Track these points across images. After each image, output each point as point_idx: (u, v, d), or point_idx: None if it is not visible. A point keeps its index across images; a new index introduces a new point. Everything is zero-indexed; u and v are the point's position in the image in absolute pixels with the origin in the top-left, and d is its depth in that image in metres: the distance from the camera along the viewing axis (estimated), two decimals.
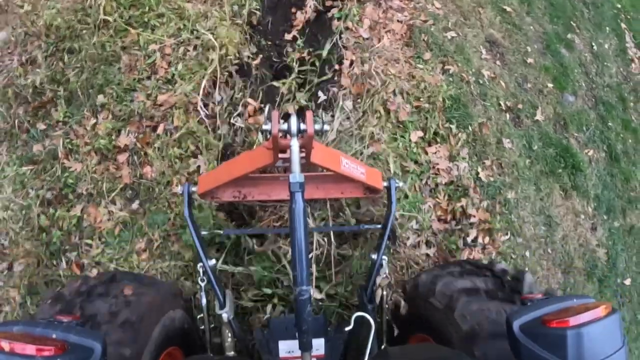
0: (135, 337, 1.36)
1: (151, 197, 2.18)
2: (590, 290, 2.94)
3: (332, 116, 2.32)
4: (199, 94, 2.23)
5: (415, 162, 2.35)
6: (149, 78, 2.33)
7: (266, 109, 1.46)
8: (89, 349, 1.02)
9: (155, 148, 2.20)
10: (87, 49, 2.36)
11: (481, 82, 2.86)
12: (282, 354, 1.70)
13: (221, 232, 1.92)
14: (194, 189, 1.60)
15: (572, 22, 3.80)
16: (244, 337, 1.80)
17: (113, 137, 2.22)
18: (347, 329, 1.38)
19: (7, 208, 2.23)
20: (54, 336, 1.02)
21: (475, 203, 2.32)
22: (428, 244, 2.26)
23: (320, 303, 2.06)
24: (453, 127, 2.49)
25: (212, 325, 1.78)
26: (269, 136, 1.32)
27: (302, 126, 1.32)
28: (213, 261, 1.65)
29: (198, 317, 1.74)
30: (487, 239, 2.32)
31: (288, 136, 1.34)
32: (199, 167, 2.15)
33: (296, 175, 1.30)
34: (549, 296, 1.28)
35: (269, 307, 2.04)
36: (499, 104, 2.87)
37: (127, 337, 1.33)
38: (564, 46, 3.58)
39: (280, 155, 1.43)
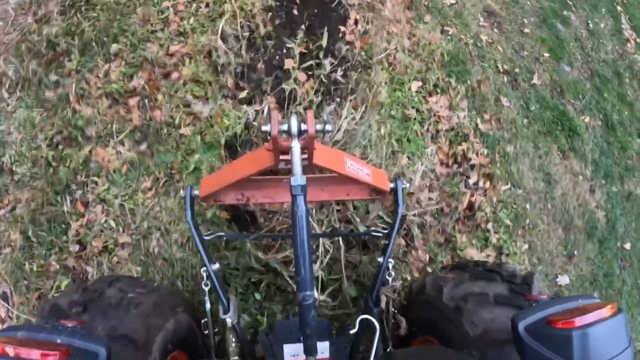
0: (140, 342, 1.34)
1: (159, 139, 2.23)
2: (590, 250, 2.97)
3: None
4: (213, 42, 2.30)
5: (417, 110, 2.41)
6: (162, 30, 2.40)
7: (265, 109, 1.37)
8: (93, 354, 1.02)
9: (166, 93, 2.26)
10: (103, 1, 2.45)
11: (479, 45, 2.96)
12: (286, 357, 1.68)
13: (223, 234, 1.87)
14: (196, 192, 1.56)
15: (568, 1, 3.92)
16: (248, 342, 1.77)
17: (125, 82, 2.29)
18: (351, 331, 1.37)
19: (16, 152, 2.28)
20: (58, 341, 1.01)
21: (476, 148, 2.38)
22: (431, 188, 2.30)
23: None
24: (452, 80, 2.57)
25: (216, 330, 1.76)
26: (269, 137, 1.27)
27: (303, 126, 1.27)
28: (217, 265, 1.62)
29: (202, 321, 1.72)
30: (487, 184, 2.37)
31: (289, 137, 1.29)
32: (212, 109, 2.20)
33: (297, 177, 1.25)
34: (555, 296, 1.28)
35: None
36: (497, 67, 2.95)
37: (131, 342, 1.31)
38: (560, 22, 3.69)
39: (282, 157, 1.38)
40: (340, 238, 2.04)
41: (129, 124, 2.26)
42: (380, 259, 1.69)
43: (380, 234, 1.83)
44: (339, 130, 2.22)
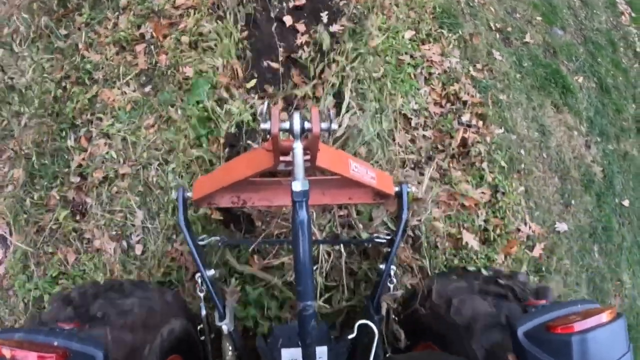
0: (137, 346, 1.33)
1: (164, 81, 2.33)
2: (588, 203, 3.00)
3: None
4: None
5: (410, 56, 2.50)
6: None
7: (265, 105, 1.15)
8: (90, 357, 1.02)
9: (172, 40, 2.37)
10: None
11: (471, 4, 3.06)
12: None
13: (218, 238, 1.77)
14: (189, 194, 1.49)
15: None
16: (245, 350, 1.73)
17: (133, 31, 2.41)
18: (350, 336, 1.34)
19: (24, 94, 2.38)
20: (55, 343, 1.01)
21: (468, 89, 2.45)
22: (425, 126, 2.37)
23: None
24: (444, 31, 2.66)
25: (213, 336, 1.73)
26: (268, 136, 1.17)
27: (307, 125, 1.17)
28: (212, 271, 1.57)
29: (198, 327, 1.70)
30: (480, 123, 2.43)
31: (290, 136, 1.19)
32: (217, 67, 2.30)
33: (299, 182, 1.17)
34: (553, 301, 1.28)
35: None
36: (489, 25, 3.04)
37: (128, 345, 1.30)
38: None
39: (281, 158, 1.29)
40: (341, 245, 1.98)
41: (135, 68, 2.37)
42: (381, 266, 1.65)
43: (384, 241, 1.76)
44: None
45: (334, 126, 1.19)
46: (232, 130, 2.15)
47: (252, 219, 2.02)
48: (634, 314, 3.12)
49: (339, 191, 1.60)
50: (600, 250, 3.03)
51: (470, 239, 2.22)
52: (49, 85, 2.34)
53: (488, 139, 2.45)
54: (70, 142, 2.22)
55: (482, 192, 2.36)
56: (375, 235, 1.84)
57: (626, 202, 3.23)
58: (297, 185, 1.16)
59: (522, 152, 2.70)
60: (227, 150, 2.11)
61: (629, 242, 3.19)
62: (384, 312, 1.68)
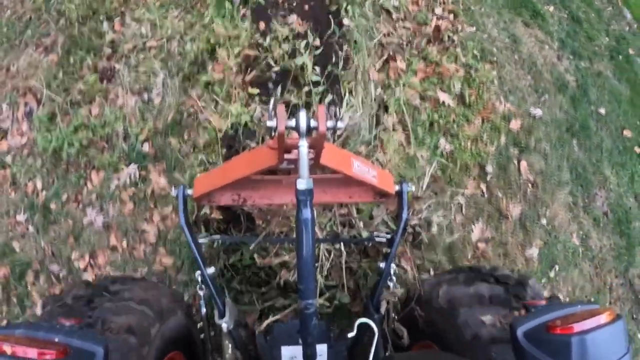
0: (137, 343, 1.34)
1: None
2: (562, 104, 3.34)
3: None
4: None
5: None
6: None
7: (271, 102, 1.15)
8: (90, 353, 1.03)
9: None
10: None
11: None
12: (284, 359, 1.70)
13: (219, 237, 1.85)
14: (189, 192, 1.49)
15: None
16: (245, 348, 1.75)
17: None
18: (350, 335, 1.36)
19: None
20: (56, 340, 1.02)
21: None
22: (405, 20, 2.86)
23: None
24: None
25: (213, 334, 1.77)
26: (273, 134, 1.17)
27: (313, 123, 1.16)
28: (212, 269, 1.59)
29: (199, 325, 1.74)
30: (452, 17, 2.90)
31: (294, 134, 1.19)
32: None
33: (304, 180, 1.17)
34: (553, 301, 1.34)
35: None
36: None
37: (128, 342, 1.32)
38: None
39: (284, 156, 1.29)
40: (341, 244, 2.02)
41: None
42: (381, 264, 1.67)
43: (384, 240, 1.78)
44: None
45: (341, 124, 1.20)
46: (230, 132, 2.23)
47: (253, 218, 2.08)
48: (622, 210, 3.35)
49: (340, 189, 1.61)
50: (580, 145, 3.33)
51: (446, 98, 2.64)
52: None
53: (460, 30, 2.91)
54: (106, 25, 2.73)
55: (457, 68, 2.79)
56: (375, 234, 1.89)
57: (602, 110, 3.53)
58: (302, 184, 1.17)
59: (494, 49, 3.13)
60: (224, 151, 2.23)
61: (608, 145, 3.45)
62: (383, 310, 1.71)
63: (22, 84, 2.67)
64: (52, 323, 1.16)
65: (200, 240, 1.62)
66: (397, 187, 1.58)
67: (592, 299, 3.06)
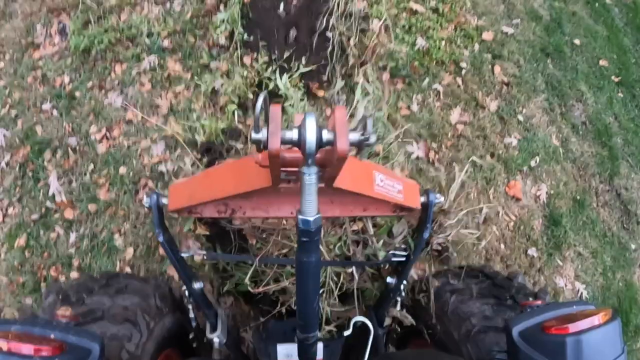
0: (133, 340, 1.34)
1: None
2: (536, 30, 3.66)
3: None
4: None
5: None
6: None
7: (260, 100, 0.73)
8: (87, 350, 1.02)
9: None
10: None
11: None
12: (280, 357, 1.65)
13: (204, 253, 1.63)
14: (164, 201, 1.25)
15: None
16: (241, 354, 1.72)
17: None
18: (345, 333, 1.33)
19: None
20: (52, 336, 1.01)
21: None
22: None
23: None
24: None
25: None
26: (262, 147, 0.78)
27: (326, 135, 0.78)
28: (200, 284, 1.47)
29: (190, 336, 1.67)
30: None
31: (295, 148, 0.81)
32: None
33: (310, 219, 0.87)
34: (541, 295, 1.36)
35: None
36: None
37: (124, 339, 1.32)
38: None
39: (282, 169, 0.93)
40: (353, 267, 1.75)
41: None
42: (391, 280, 1.56)
43: (403, 259, 1.55)
44: None
45: (372, 138, 0.80)
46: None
47: (244, 235, 1.77)
48: (602, 124, 3.54)
49: (351, 200, 1.27)
50: (555, 65, 3.61)
51: (419, 7, 3.02)
52: None
53: None
54: None
55: None
56: (391, 252, 1.61)
57: (577, 41, 3.83)
58: (306, 222, 0.87)
59: None
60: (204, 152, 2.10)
61: (584, 69, 3.72)
62: (387, 322, 1.63)
63: (56, 5, 3.16)
64: (48, 319, 1.17)
65: (182, 254, 1.43)
66: (422, 199, 1.33)
67: (578, 197, 3.21)
